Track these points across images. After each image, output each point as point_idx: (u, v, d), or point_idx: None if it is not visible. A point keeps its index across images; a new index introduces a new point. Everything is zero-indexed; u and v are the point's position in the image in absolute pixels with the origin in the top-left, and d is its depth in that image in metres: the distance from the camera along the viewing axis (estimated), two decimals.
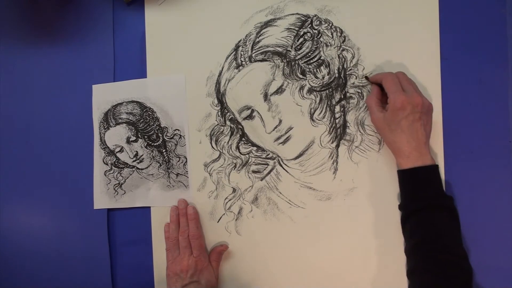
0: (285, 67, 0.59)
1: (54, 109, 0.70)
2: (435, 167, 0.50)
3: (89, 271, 0.68)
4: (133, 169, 0.67)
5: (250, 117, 0.61)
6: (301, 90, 0.59)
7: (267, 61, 0.60)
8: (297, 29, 0.59)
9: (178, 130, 0.65)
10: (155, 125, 0.66)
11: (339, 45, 0.58)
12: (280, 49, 0.59)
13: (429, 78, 0.55)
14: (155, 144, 0.66)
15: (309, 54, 0.59)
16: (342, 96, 0.58)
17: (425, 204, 0.49)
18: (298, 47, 0.59)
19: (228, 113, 0.63)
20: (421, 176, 0.50)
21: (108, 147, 0.67)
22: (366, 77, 0.56)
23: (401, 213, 0.52)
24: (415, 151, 0.49)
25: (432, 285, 0.46)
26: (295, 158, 0.60)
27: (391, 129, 0.51)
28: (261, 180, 0.61)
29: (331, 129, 0.58)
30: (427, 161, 0.49)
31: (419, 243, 0.49)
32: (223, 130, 0.63)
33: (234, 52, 0.62)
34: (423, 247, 0.48)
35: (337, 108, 0.58)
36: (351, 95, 0.58)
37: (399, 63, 0.56)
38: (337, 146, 0.58)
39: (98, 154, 0.68)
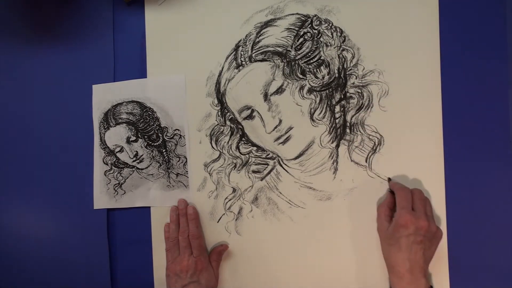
0: (285, 67, 0.59)
1: (54, 109, 0.70)
2: None
3: (88, 271, 0.68)
4: (133, 169, 0.67)
5: (250, 117, 0.61)
6: (301, 90, 0.59)
7: (267, 61, 0.60)
8: (297, 29, 0.59)
9: (178, 130, 0.65)
10: (155, 125, 0.66)
11: (339, 45, 0.58)
12: (280, 49, 0.59)
13: (429, 78, 0.55)
14: (155, 144, 0.66)
15: (309, 54, 0.59)
16: (342, 96, 0.58)
17: None
18: (298, 47, 0.59)
19: (228, 113, 0.63)
20: None
21: (108, 147, 0.67)
22: (389, 179, 0.57)
23: None
24: (409, 273, 0.48)
25: None
26: (295, 158, 0.60)
27: (390, 244, 0.51)
28: (261, 180, 0.61)
29: (331, 129, 0.58)
30: (421, 285, 0.48)
31: None
32: (223, 130, 0.63)
33: (234, 52, 0.62)
34: None
35: (337, 108, 0.58)
36: (351, 95, 0.58)
37: (399, 63, 0.56)
38: (337, 146, 0.58)
39: (98, 154, 0.68)
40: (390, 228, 0.51)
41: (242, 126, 0.62)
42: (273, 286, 0.61)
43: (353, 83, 0.58)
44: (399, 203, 0.51)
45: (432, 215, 0.52)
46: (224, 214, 0.63)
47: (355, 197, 0.57)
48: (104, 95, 0.68)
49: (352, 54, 0.58)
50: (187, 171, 0.65)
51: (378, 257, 0.56)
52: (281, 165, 0.61)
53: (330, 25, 0.58)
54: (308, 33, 0.59)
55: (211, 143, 0.63)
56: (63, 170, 0.70)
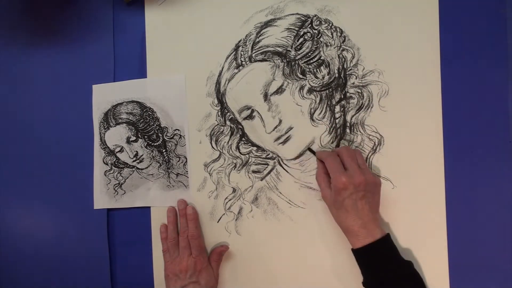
0: (285, 67, 0.59)
1: (54, 109, 0.70)
2: (386, 238, 0.50)
3: (88, 271, 0.68)
4: (133, 169, 0.67)
5: (250, 117, 0.61)
6: (301, 90, 0.59)
7: (267, 61, 0.60)
8: (297, 29, 0.59)
9: (178, 130, 0.65)
10: (155, 125, 0.66)
11: (339, 45, 0.58)
12: (280, 49, 0.59)
13: (429, 78, 0.55)
14: (155, 144, 0.66)
15: (309, 54, 0.59)
16: (342, 96, 0.58)
17: (386, 278, 0.48)
18: (298, 47, 0.59)
19: (228, 113, 0.62)
20: (374, 252, 0.49)
21: (108, 147, 0.67)
22: (310, 149, 0.58)
23: None
24: (362, 228, 0.49)
25: None
26: (295, 158, 0.59)
27: (336, 208, 0.52)
28: (261, 180, 0.61)
29: (331, 129, 0.58)
30: (376, 235, 0.49)
31: None
32: (223, 130, 0.63)
33: (234, 52, 0.62)
34: None
35: (337, 108, 0.58)
36: (351, 95, 0.58)
37: (399, 63, 0.56)
38: (337, 146, 0.58)
39: (98, 154, 0.68)
40: (332, 194, 0.51)
41: (242, 126, 0.62)
42: (272, 286, 0.61)
43: (353, 83, 0.58)
44: (331, 169, 0.52)
45: (366, 166, 0.53)
46: (224, 214, 0.63)
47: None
48: (104, 95, 0.68)
49: (352, 54, 0.58)
50: (187, 171, 0.65)
51: None
52: (281, 165, 0.61)
53: (330, 25, 0.58)
54: (308, 33, 0.59)
55: (211, 143, 0.63)
56: (63, 170, 0.70)
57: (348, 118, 0.58)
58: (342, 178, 0.50)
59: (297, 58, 0.59)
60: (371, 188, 0.51)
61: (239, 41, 0.62)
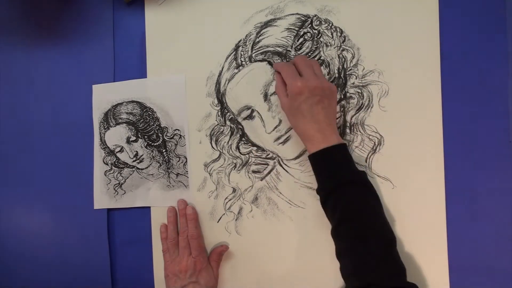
0: None
1: (54, 109, 0.70)
2: (342, 146, 0.50)
3: (89, 271, 0.68)
4: (133, 169, 0.67)
5: (250, 117, 0.61)
6: None
7: (267, 61, 0.60)
8: (297, 29, 0.59)
9: (178, 130, 0.65)
10: (155, 125, 0.66)
11: (339, 45, 0.58)
12: (280, 49, 0.59)
13: (429, 78, 0.55)
14: (155, 144, 0.66)
15: (309, 54, 0.59)
16: (342, 96, 0.58)
17: (337, 183, 0.49)
18: (298, 47, 0.59)
19: (228, 113, 0.63)
20: (328, 157, 0.50)
21: (108, 147, 0.67)
22: (269, 62, 0.59)
23: (319, 197, 0.52)
24: (318, 133, 0.50)
25: (359, 263, 0.46)
26: (295, 158, 0.59)
27: (293, 114, 0.52)
28: (261, 180, 0.61)
29: None
30: (332, 141, 0.50)
31: (340, 223, 0.49)
32: (223, 130, 0.63)
33: (234, 52, 0.62)
34: (344, 226, 0.49)
35: (337, 108, 0.58)
36: (351, 95, 0.58)
37: (399, 63, 0.56)
38: None
39: (98, 154, 0.68)
40: (289, 100, 0.52)
41: (242, 126, 0.62)
42: (272, 286, 0.61)
43: (353, 83, 0.57)
44: (286, 77, 0.53)
45: (321, 74, 0.54)
46: (224, 214, 0.63)
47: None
48: (104, 95, 0.68)
49: (352, 54, 0.58)
50: (187, 171, 0.65)
51: None
52: (281, 165, 0.61)
53: (330, 25, 0.58)
54: (308, 33, 0.59)
55: (211, 143, 0.63)
56: (63, 170, 0.70)
57: (348, 118, 0.58)
58: (297, 83, 0.50)
59: None
60: (327, 94, 0.51)
61: (239, 41, 0.62)
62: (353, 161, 0.51)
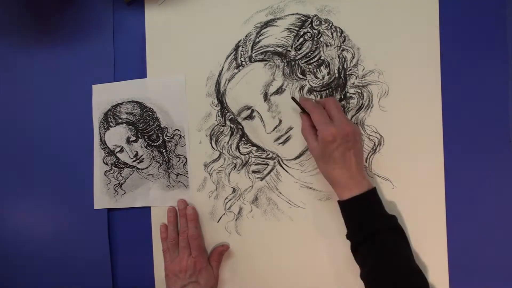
0: (285, 67, 0.59)
1: (54, 109, 0.70)
2: (373, 191, 0.50)
3: (89, 271, 0.68)
4: (133, 169, 0.67)
5: (250, 117, 0.61)
6: (301, 90, 0.59)
7: (267, 61, 0.60)
8: (297, 29, 0.59)
9: (178, 130, 0.65)
10: (155, 125, 0.66)
11: (339, 45, 0.58)
12: (280, 49, 0.59)
13: (429, 78, 0.55)
14: (155, 144, 0.66)
15: (309, 54, 0.59)
16: (342, 96, 0.58)
17: (370, 231, 0.48)
18: (298, 47, 0.59)
19: (228, 113, 0.63)
20: (361, 204, 0.49)
21: (108, 147, 0.67)
22: (293, 99, 0.56)
23: (350, 243, 0.51)
24: (351, 180, 0.49)
25: None
26: (295, 158, 0.59)
27: (325, 161, 0.51)
28: (261, 180, 0.61)
29: None
30: (364, 187, 0.49)
31: (373, 269, 0.48)
32: (223, 130, 0.63)
33: (234, 52, 0.62)
34: (377, 273, 0.48)
35: None
36: (351, 95, 0.57)
37: (399, 63, 0.56)
38: None
39: (98, 154, 0.68)
40: (319, 147, 0.51)
41: (242, 126, 0.62)
42: (273, 286, 0.61)
43: (353, 83, 0.57)
44: (317, 121, 0.51)
45: (347, 117, 0.55)
46: (224, 214, 0.63)
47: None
48: (104, 95, 0.68)
49: (352, 54, 0.58)
50: (187, 171, 0.65)
51: None
52: (281, 165, 0.61)
53: (330, 25, 0.58)
54: (308, 33, 0.59)
55: (211, 143, 0.63)
56: (63, 170, 0.70)
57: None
58: (330, 129, 0.49)
59: (297, 58, 0.59)
60: (357, 139, 0.51)
61: (239, 41, 0.62)
62: (383, 205, 0.51)
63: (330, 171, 0.51)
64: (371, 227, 0.49)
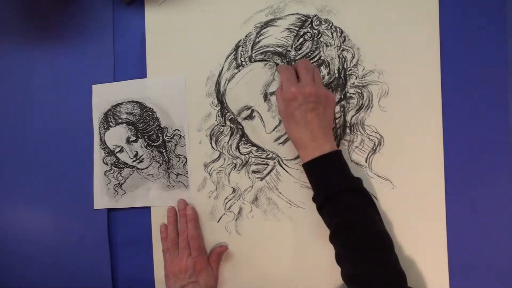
0: None
1: (54, 109, 0.70)
2: (336, 153, 0.50)
3: (89, 271, 0.68)
4: (133, 169, 0.67)
5: (250, 117, 0.61)
6: None
7: (267, 61, 0.60)
8: (297, 29, 0.59)
9: (178, 130, 0.65)
10: (155, 125, 0.66)
11: (339, 45, 0.58)
12: (280, 49, 0.59)
13: (429, 78, 0.55)
14: (155, 144, 0.66)
15: (309, 54, 0.59)
16: (342, 96, 0.58)
17: (331, 191, 0.49)
18: (298, 47, 0.59)
19: (228, 113, 0.62)
20: (322, 166, 0.50)
21: (108, 147, 0.67)
22: (276, 63, 0.58)
23: (316, 204, 0.52)
24: (312, 141, 0.50)
25: (359, 271, 0.46)
26: (295, 158, 0.59)
27: (288, 120, 0.52)
28: (261, 180, 0.61)
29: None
30: (326, 149, 0.49)
31: (337, 230, 0.49)
32: (223, 130, 0.63)
33: (234, 52, 0.62)
34: (342, 234, 0.49)
35: (337, 108, 0.58)
36: (351, 95, 0.58)
37: (399, 63, 0.56)
38: (337, 146, 0.58)
39: (98, 154, 0.68)
40: (281, 106, 0.52)
41: (242, 126, 0.62)
42: (272, 286, 0.61)
43: (353, 83, 0.57)
44: (283, 80, 0.53)
45: (320, 81, 0.54)
46: (224, 214, 0.63)
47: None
48: (104, 95, 0.68)
49: (352, 54, 0.58)
50: (187, 171, 0.65)
51: None
52: (281, 165, 0.60)
53: (330, 25, 0.58)
54: (308, 33, 0.59)
55: (211, 143, 0.63)
56: (63, 170, 0.70)
57: (348, 118, 0.58)
58: (291, 88, 0.50)
59: (297, 58, 0.59)
60: (322, 101, 0.51)
61: (239, 41, 0.62)
62: (348, 169, 0.51)
63: (292, 130, 0.52)
64: (332, 188, 0.49)
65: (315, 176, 0.51)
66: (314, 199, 0.52)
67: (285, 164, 0.60)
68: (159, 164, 0.66)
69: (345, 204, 0.49)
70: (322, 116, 0.51)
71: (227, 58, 0.62)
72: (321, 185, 0.51)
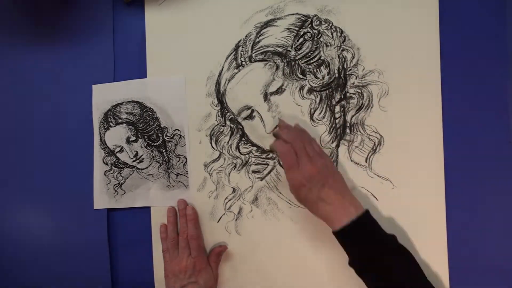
0: (285, 67, 0.59)
1: (54, 109, 0.70)
2: (364, 216, 0.48)
3: (89, 271, 0.68)
4: (133, 169, 0.67)
5: (250, 117, 0.61)
6: (301, 90, 0.59)
7: (267, 61, 0.60)
8: (297, 29, 0.59)
9: (178, 130, 0.65)
10: (155, 125, 0.66)
11: (339, 45, 0.58)
12: (280, 49, 0.59)
13: (429, 78, 0.55)
14: (155, 144, 0.66)
15: (309, 54, 0.59)
16: (342, 96, 0.58)
17: (372, 256, 0.47)
18: (298, 47, 0.59)
19: (228, 113, 0.62)
20: (354, 232, 0.47)
21: (108, 147, 0.67)
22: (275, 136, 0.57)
23: (354, 269, 0.49)
24: (335, 213, 0.48)
25: None
26: None
27: (305, 205, 0.51)
28: (261, 180, 0.61)
29: (331, 129, 0.58)
30: (352, 213, 0.47)
31: None
32: (223, 130, 0.63)
33: (234, 52, 0.62)
34: None
35: (337, 108, 0.58)
36: (351, 95, 0.58)
37: (399, 63, 0.56)
38: (337, 146, 0.58)
39: (98, 154, 0.68)
40: (295, 194, 0.51)
41: (242, 126, 0.62)
42: (272, 285, 0.61)
43: (353, 83, 0.57)
44: (284, 165, 0.51)
45: (315, 148, 0.52)
46: (224, 214, 0.63)
47: (355, 197, 0.57)
48: (104, 95, 0.68)
49: (352, 54, 0.58)
50: (187, 171, 0.65)
51: None
52: (281, 165, 0.60)
53: (330, 25, 0.58)
54: (308, 33, 0.59)
55: (211, 143, 0.63)
56: (63, 170, 0.70)
57: (348, 118, 0.58)
58: (295, 176, 0.49)
59: (297, 58, 0.59)
60: (326, 174, 0.49)
61: (239, 41, 0.62)
62: (379, 228, 0.48)
63: (315, 212, 0.50)
64: (369, 253, 0.47)
65: (349, 243, 0.49)
66: (351, 264, 0.49)
67: None
68: (159, 164, 0.66)
69: (389, 268, 0.46)
70: (334, 184, 0.49)
71: (227, 58, 0.62)
72: (357, 251, 0.48)
